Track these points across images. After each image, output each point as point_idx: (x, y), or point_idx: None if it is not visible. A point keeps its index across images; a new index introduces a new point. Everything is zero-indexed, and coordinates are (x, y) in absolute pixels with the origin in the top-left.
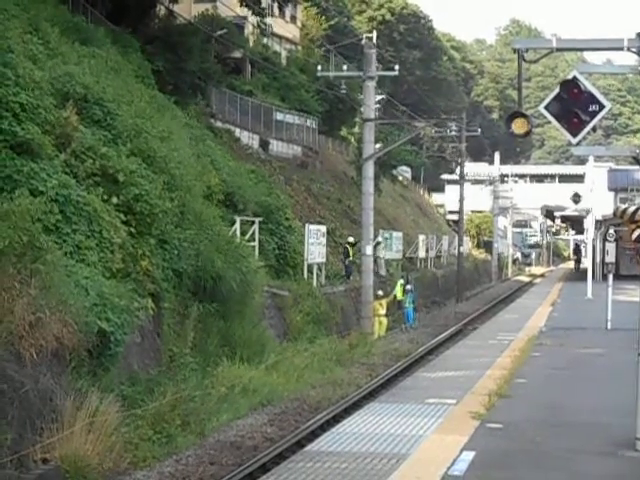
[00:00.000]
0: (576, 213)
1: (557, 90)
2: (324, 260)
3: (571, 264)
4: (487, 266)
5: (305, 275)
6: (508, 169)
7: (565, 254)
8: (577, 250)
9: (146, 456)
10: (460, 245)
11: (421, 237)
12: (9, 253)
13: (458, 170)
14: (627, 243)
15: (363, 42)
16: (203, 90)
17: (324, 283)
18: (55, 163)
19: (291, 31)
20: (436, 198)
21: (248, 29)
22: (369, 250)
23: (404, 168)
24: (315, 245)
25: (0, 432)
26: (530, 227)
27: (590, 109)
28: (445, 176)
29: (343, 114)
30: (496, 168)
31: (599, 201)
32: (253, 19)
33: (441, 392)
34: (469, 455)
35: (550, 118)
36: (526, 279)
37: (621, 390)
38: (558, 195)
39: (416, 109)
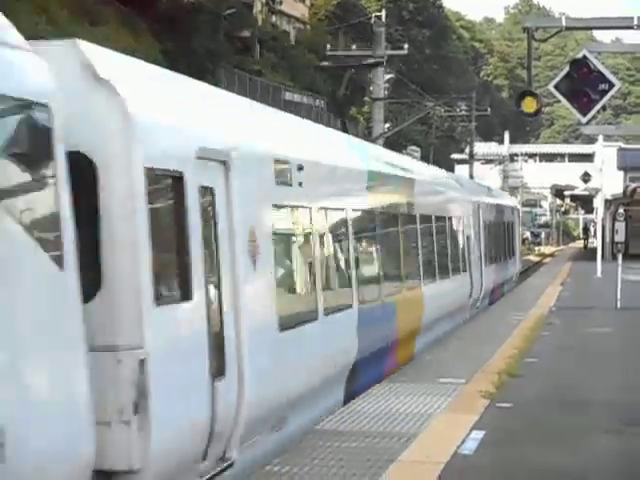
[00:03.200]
0: (586, 192)
1: (567, 69)
2: None
3: (581, 243)
4: None
5: None
6: (518, 148)
7: (575, 233)
8: (586, 229)
9: None
10: None
11: None
12: None
13: (468, 149)
14: (637, 222)
15: (372, 21)
16: (212, 70)
17: None
18: None
19: (300, 10)
20: None
21: (257, 8)
22: None
23: (413, 148)
24: None
25: None
26: (540, 206)
27: (600, 88)
28: (455, 155)
29: (352, 93)
30: (506, 147)
31: (609, 180)
32: None
33: (451, 371)
34: (479, 434)
35: (560, 97)
36: (535, 259)
37: (630, 369)
38: (568, 174)
39: (425, 88)
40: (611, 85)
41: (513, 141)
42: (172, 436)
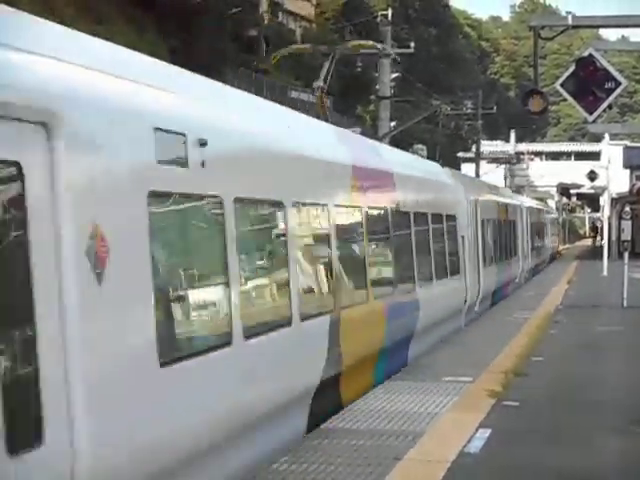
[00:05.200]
0: (592, 191)
1: (573, 67)
2: None
3: (587, 242)
4: None
5: None
6: (524, 147)
7: (581, 232)
8: (594, 227)
9: None
10: None
11: None
12: None
13: (474, 148)
14: None
15: (378, 20)
16: (218, 68)
17: None
18: None
19: (305, 8)
20: None
21: (262, 7)
22: None
23: (419, 146)
24: None
25: None
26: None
27: (606, 86)
28: (461, 154)
29: (358, 92)
30: (512, 146)
31: (615, 179)
32: None
33: (457, 370)
34: (485, 433)
35: (566, 95)
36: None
37: (637, 368)
38: (574, 173)
39: (432, 87)
40: (617, 83)
41: (519, 140)
42: None
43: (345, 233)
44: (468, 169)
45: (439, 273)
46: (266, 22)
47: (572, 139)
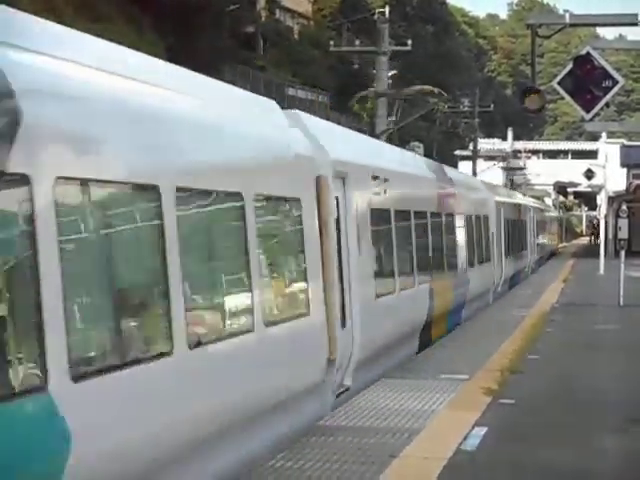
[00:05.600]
0: (589, 189)
1: (570, 66)
2: None
3: (583, 240)
4: None
5: None
6: (521, 145)
7: (578, 230)
8: (593, 225)
9: None
10: None
11: None
12: None
13: (471, 146)
14: None
15: (376, 17)
16: (216, 65)
17: None
18: None
19: (303, 5)
20: None
21: (260, 4)
22: None
23: (416, 144)
24: None
25: None
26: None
27: (603, 85)
28: (458, 152)
29: (356, 89)
30: (509, 144)
31: (612, 177)
32: None
33: (454, 368)
34: (481, 430)
35: (564, 94)
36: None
37: (633, 366)
38: (571, 171)
39: (429, 84)
40: (615, 82)
41: (516, 138)
42: None
43: (449, 232)
44: (465, 167)
45: (479, 260)
46: (263, 19)
47: (569, 137)
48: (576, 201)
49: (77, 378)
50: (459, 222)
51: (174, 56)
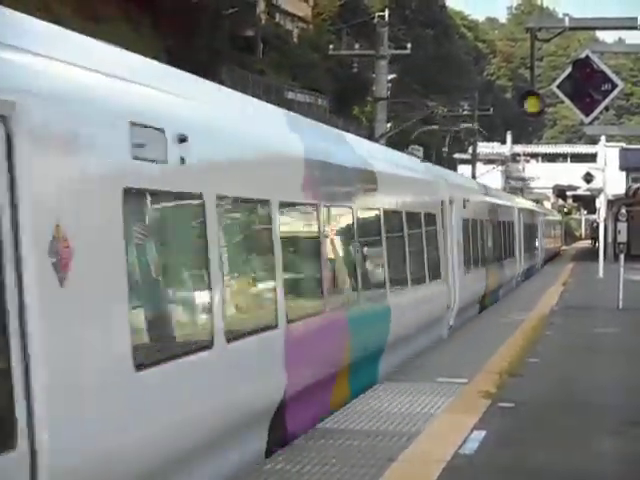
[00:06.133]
0: (588, 193)
1: (570, 69)
2: None
3: (582, 244)
4: None
5: None
6: (520, 149)
7: (577, 234)
8: (594, 228)
9: None
10: None
11: None
12: None
13: (470, 149)
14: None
15: (375, 21)
16: (214, 68)
17: None
18: None
19: (303, 9)
20: None
21: (260, 7)
22: None
23: (415, 147)
24: None
25: None
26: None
27: (602, 88)
28: (457, 155)
29: (355, 93)
30: (508, 147)
31: (611, 181)
32: None
33: (452, 371)
34: (480, 434)
35: (563, 97)
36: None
37: (633, 370)
38: (570, 175)
39: (428, 88)
40: (614, 85)
41: (516, 141)
42: None
43: (497, 235)
44: (464, 170)
45: (507, 255)
46: (263, 22)
47: (568, 141)
48: (575, 204)
49: None
50: (503, 227)
51: (173, 57)
